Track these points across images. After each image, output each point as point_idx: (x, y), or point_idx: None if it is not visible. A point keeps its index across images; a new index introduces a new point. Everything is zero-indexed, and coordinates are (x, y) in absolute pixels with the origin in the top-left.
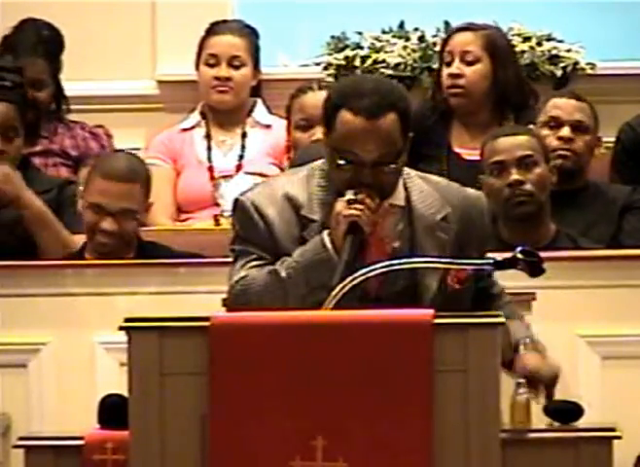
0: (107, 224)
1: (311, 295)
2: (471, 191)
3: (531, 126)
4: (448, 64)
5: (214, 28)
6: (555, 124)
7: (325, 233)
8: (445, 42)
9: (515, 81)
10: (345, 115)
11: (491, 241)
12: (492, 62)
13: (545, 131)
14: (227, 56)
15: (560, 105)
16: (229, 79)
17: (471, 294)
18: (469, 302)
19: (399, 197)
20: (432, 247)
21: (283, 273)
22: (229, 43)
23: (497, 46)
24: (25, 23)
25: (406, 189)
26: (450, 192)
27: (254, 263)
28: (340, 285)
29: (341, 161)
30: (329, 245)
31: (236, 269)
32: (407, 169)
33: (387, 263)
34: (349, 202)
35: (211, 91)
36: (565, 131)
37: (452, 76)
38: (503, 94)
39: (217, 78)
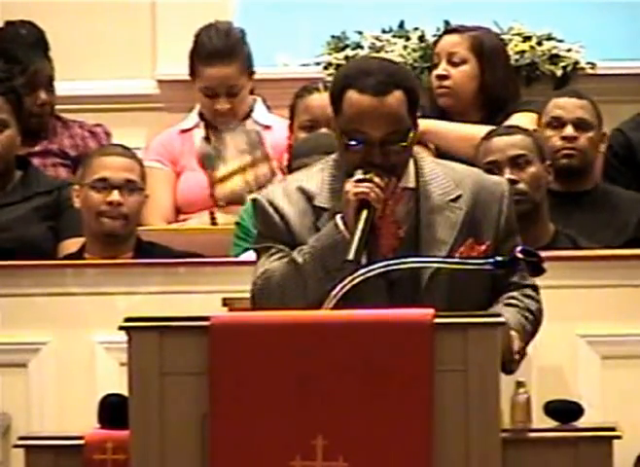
0: (114, 196)
1: (329, 278)
2: (490, 177)
3: (534, 124)
4: (437, 66)
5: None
6: (558, 123)
7: (338, 217)
8: (435, 45)
9: (505, 83)
10: (352, 95)
11: (513, 229)
12: (479, 64)
13: (548, 132)
14: (224, 89)
15: (561, 104)
16: (230, 109)
17: (485, 280)
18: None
19: (410, 180)
20: (441, 226)
21: (299, 260)
22: (224, 74)
23: (484, 47)
24: (10, 25)
25: (417, 171)
26: (466, 176)
27: (274, 257)
28: (340, 286)
29: (351, 142)
30: (342, 227)
31: (258, 265)
32: (420, 152)
33: (386, 263)
34: (358, 181)
35: (214, 117)
36: (568, 130)
37: (439, 77)
38: (492, 96)
39: (217, 110)
